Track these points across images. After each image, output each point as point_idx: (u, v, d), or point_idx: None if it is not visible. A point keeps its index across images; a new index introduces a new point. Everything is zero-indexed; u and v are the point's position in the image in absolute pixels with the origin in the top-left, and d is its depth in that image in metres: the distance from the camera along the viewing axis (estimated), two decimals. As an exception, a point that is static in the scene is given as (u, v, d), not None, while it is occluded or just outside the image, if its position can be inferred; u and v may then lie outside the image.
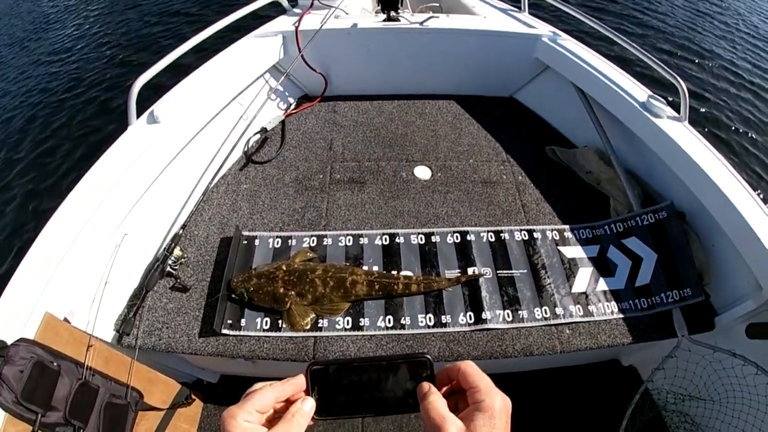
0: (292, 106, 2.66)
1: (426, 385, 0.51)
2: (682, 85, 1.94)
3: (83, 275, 1.54)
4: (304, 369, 0.52)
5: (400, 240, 1.85)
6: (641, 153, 2.14)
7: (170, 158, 1.90)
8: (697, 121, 4.47)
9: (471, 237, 1.87)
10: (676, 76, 1.96)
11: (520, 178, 2.23)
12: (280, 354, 1.59)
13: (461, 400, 0.50)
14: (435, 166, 2.27)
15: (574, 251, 1.88)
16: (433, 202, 2.07)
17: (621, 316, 1.72)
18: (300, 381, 0.51)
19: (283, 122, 2.51)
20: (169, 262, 1.72)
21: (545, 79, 2.67)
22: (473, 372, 0.50)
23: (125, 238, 1.67)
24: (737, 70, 5.72)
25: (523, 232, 1.91)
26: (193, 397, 1.81)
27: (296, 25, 2.44)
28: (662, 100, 2.03)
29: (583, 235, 1.93)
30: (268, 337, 1.62)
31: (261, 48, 2.40)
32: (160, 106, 1.93)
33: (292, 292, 1.65)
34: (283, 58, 2.54)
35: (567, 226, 1.96)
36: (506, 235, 1.89)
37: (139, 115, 1.93)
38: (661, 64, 2.05)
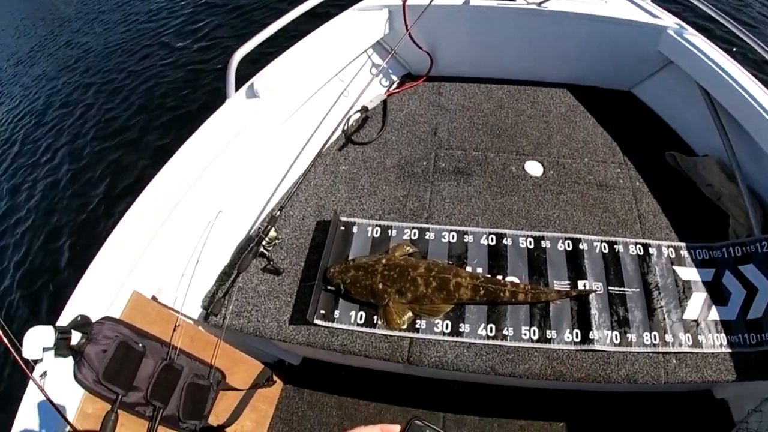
0: (395, 85, 2.51)
1: None
2: None
3: (174, 253, 1.50)
4: (405, 421, 0.49)
5: (507, 241, 1.72)
6: None
7: (269, 135, 1.82)
8: None
9: (584, 246, 1.73)
10: None
11: (637, 184, 2.04)
12: (374, 352, 1.52)
13: None
14: (547, 162, 2.10)
15: (689, 273, 1.74)
16: (544, 202, 1.92)
17: (729, 350, 1.60)
18: (395, 429, 0.50)
19: (385, 101, 2.37)
20: (264, 243, 1.59)
21: (668, 75, 2.40)
22: None
23: (219, 216, 1.58)
24: None
25: (638, 246, 1.76)
26: (275, 378, 1.76)
27: None
28: None
29: (700, 256, 1.78)
30: (362, 332, 1.55)
31: (365, 22, 2.24)
32: (260, 81, 1.83)
33: (392, 289, 1.54)
34: (387, 33, 2.37)
35: (684, 244, 1.80)
36: (620, 248, 1.74)
37: (237, 88, 1.85)
38: None
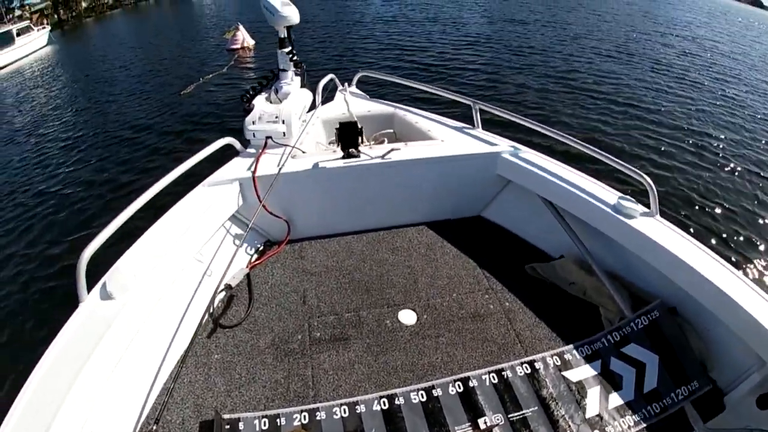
0: (255, 256, 2.50)
1: None
2: (648, 181, 2.01)
3: None
4: None
5: (400, 401, 1.70)
6: (620, 255, 2.15)
7: (131, 338, 1.70)
8: (668, 209, 4.74)
9: (473, 383, 1.76)
10: (640, 173, 2.03)
11: (507, 304, 2.16)
12: None
13: None
14: (419, 307, 2.16)
15: (578, 373, 1.81)
16: (425, 349, 1.95)
17: (638, 429, 1.66)
18: None
19: (248, 275, 2.32)
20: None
21: (511, 192, 2.68)
22: None
23: None
24: (698, 151, 6.31)
25: (524, 365, 1.82)
26: None
27: (253, 170, 2.33)
28: (631, 199, 2.09)
29: (583, 353, 1.87)
30: None
31: (217, 198, 2.24)
32: (112, 280, 1.70)
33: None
34: (242, 205, 2.39)
35: (565, 348, 1.90)
36: (508, 373, 1.79)
37: (89, 289, 1.69)
38: (621, 163, 2.11)
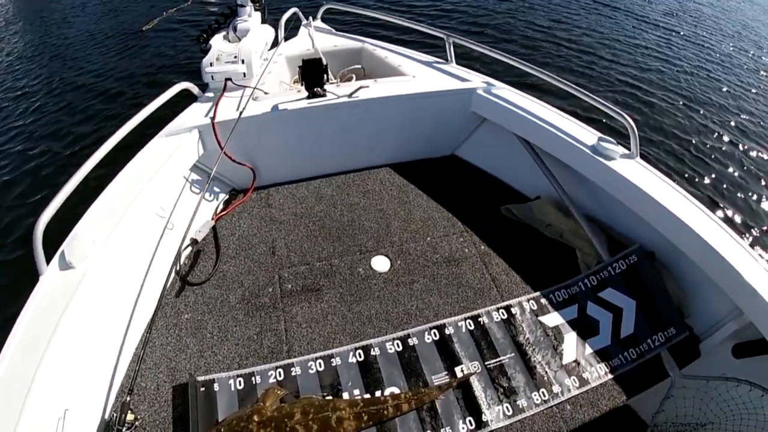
0: (220, 206, 2.37)
1: None
2: (629, 121, 1.93)
3: None
4: None
5: (375, 351, 1.68)
6: (599, 197, 2.12)
7: (97, 308, 1.61)
8: (648, 153, 4.59)
9: (449, 330, 1.74)
10: (621, 112, 1.95)
11: (483, 248, 2.13)
12: None
13: None
14: (392, 253, 2.11)
15: (554, 318, 1.80)
16: (399, 297, 1.92)
17: (614, 375, 1.68)
18: None
19: (214, 228, 2.21)
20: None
21: (486, 131, 2.59)
22: None
23: (67, 414, 1.40)
24: (683, 96, 6.01)
25: (500, 311, 1.81)
26: None
27: (212, 116, 2.17)
28: (612, 140, 2.02)
29: (560, 298, 1.87)
30: None
31: (175, 148, 2.09)
32: (71, 248, 1.60)
33: (273, 448, 1.45)
34: (203, 154, 2.25)
35: (541, 292, 1.88)
36: (485, 319, 1.78)
37: (48, 260, 1.60)
38: (603, 101, 2.02)
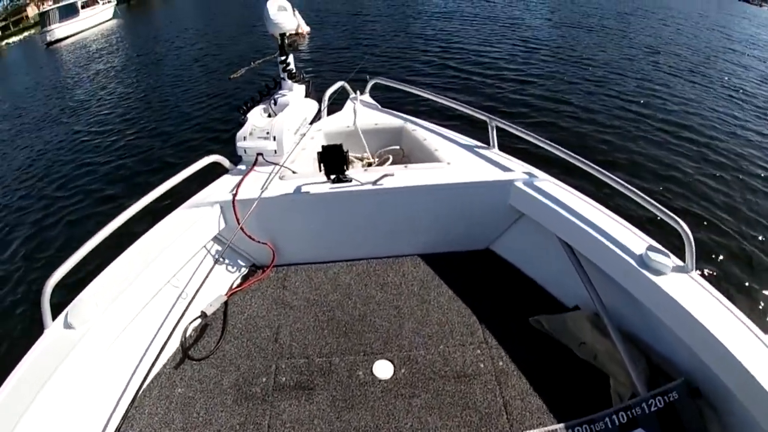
0: (238, 281, 2.35)
1: None
2: (685, 229, 1.66)
3: None
4: None
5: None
6: (643, 316, 1.82)
7: (91, 370, 1.64)
8: (707, 264, 3.88)
9: None
10: (676, 217, 1.68)
11: (500, 364, 1.88)
12: None
13: None
14: (398, 359, 1.92)
15: (569, 464, 1.53)
16: (395, 412, 1.71)
17: None
18: None
19: (225, 303, 2.18)
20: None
21: (525, 226, 2.36)
22: None
23: None
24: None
25: None
26: None
27: (234, 193, 2.19)
28: (663, 251, 1.74)
29: None
30: None
31: (196, 221, 2.12)
32: (75, 310, 1.67)
33: None
34: (223, 228, 2.26)
35: (558, 426, 1.61)
36: None
37: (55, 316, 1.68)
38: (657, 205, 1.76)
